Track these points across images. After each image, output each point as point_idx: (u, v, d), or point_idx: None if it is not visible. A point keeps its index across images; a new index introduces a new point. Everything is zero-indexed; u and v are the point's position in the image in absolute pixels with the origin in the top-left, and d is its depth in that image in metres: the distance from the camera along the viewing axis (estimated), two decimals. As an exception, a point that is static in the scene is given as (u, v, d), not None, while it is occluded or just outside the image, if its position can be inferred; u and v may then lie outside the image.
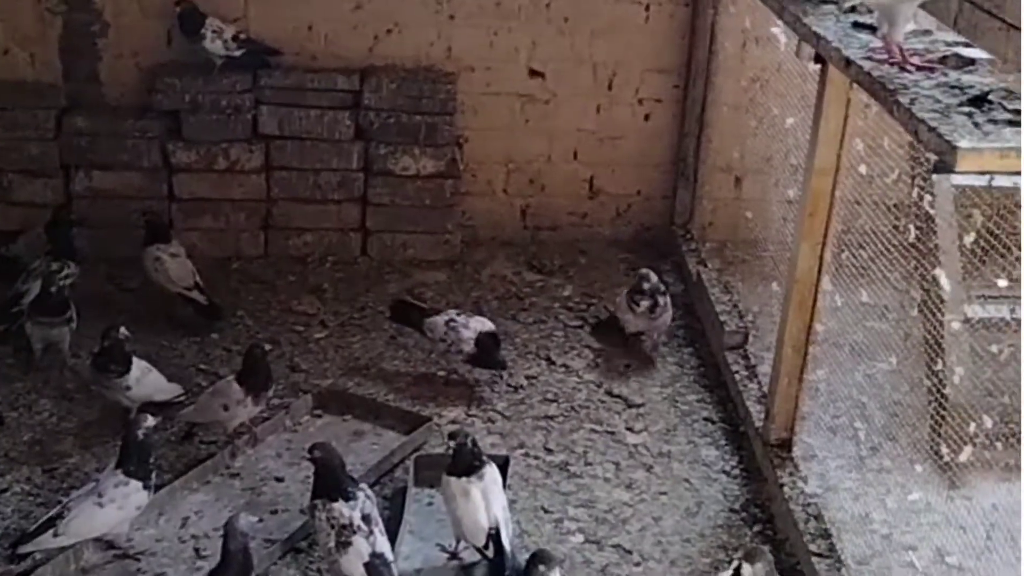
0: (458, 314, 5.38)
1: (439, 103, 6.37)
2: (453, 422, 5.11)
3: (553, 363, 5.63)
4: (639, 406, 5.30)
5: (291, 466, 4.78)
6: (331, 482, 4.09)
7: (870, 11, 3.89)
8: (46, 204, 6.14)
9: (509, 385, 5.39)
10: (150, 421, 4.31)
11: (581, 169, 6.78)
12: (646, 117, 6.66)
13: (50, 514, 4.18)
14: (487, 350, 5.24)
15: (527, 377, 5.49)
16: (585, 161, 6.76)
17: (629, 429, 5.15)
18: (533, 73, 6.58)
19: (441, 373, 5.45)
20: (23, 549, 4.12)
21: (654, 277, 5.59)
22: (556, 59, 6.53)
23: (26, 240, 5.98)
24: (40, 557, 4.15)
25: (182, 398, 5.08)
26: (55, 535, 4.09)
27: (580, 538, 4.46)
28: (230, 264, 6.37)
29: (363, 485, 4.16)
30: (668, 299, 5.62)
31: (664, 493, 4.75)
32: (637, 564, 4.34)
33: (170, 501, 4.51)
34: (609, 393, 5.39)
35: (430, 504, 4.55)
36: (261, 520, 4.34)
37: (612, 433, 5.12)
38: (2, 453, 4.75)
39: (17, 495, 4.57)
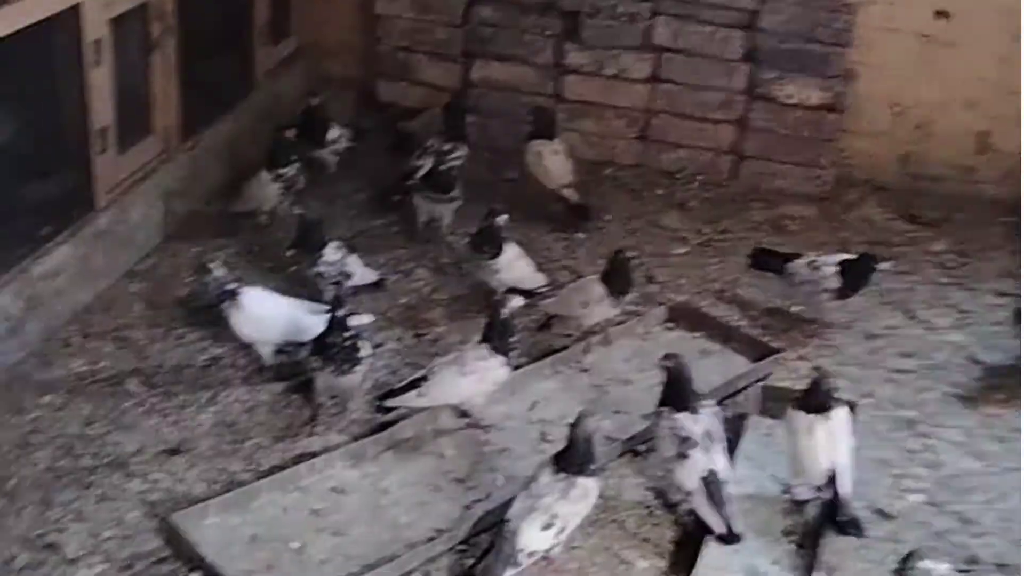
0: (818, 255, 5.30)
1: (834, 33, 6.20)
2: (801, 359, 5.08)
3: (914, 317, 5.45)
4: (1004, 375, 5.04)
5: (639, 372, 4.91)
6: (679, 393, 4.18)
7: None
8: (445, 87, 6.53)
9: (864, 334, 5.28)
10: (516, 302, 4.55)
11: (974, 121, 6.42)
12: (1057, 75, 6.21)
13: (416, 376, 4.52)
14: (856, 274, 5.12)
15: (885, 327, 5.35)
16: (981, 113, 6.39)
17: (987, 399, 4.92)
18: (939, 14, 6.26)
19: (795, 309, 5.40)
20: (389, 403, 4.48)
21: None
22: (965, 0, 6.18)
23: (423, 119, 6.40)
24: (402, 412, 4.51)
25: (544, 289, 5.33)
26: (418, 395, 4.43)
27: (920, 498, 4.35)
28: (603, 169, 6.54)
29: (711, 402, 4.23)
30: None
31: (1016, 470, 4.53)
32: (977, 536, 4.19)
33: (522, 383, 4.77)
34: (972, 359, 5.17)
35: (768, 435, 4.56)
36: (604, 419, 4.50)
37: (968, 399, 4.91)
38: (381, 312, 5.15)
39: (389, 352, 4.96)
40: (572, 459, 3.87)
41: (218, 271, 4.68)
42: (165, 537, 3.92)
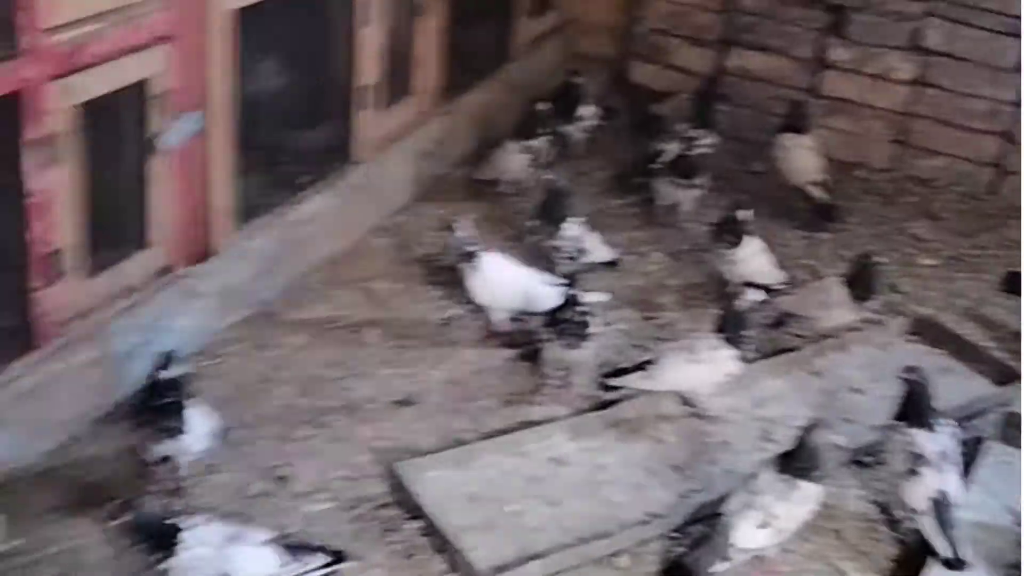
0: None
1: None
2: (1049, 389, 4.79)
3: None
4: None
5: (873, 381, 4.76)
6: (917, 408, 4.03)
7: None
8: (698, 73, 6.48)
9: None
10: (754, 295, 4.48)
11: None
12: None
13: (644, 359, 4.53)
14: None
15: None
16: None
17: None
18: None
19: (1048, 337, 5.11)
20: (614, 382, 4.50)
21: None
22: None
23: (673, 103, 6.36)
24: (626, 392, 4.51)
25: (781, 286, 5.22)
26: (645, 378, 4.43)
27: None
28: (853, 170, 6.36)
29: (951, 422, 4.06)
30: None
31: None
32: None
33: (751, 378, 4.69)
34: None
35: (1006, 463, 4.34)
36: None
37: None
38: (613, 292, 5.16)
39: (617, 332, 4.97)
40: (797, 462, 3.79)
41: (462, 232, 4.80)
42: (389, 484, 4.06)
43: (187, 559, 3.25)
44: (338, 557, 3.54)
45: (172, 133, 4.26)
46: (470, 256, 4.77)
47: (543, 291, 4.72)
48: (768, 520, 3.73)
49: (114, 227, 4.32)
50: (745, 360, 4.48)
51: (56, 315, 4.02)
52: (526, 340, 4.79)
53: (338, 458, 4.17)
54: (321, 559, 3.49)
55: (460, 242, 4.79)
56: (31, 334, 3.97)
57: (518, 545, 3.87)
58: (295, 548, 3.48)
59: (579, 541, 3.89)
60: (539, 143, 5.68)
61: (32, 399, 3.95)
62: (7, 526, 3.64)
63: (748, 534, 3.72)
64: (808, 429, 3.78)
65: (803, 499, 3.76)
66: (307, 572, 3.45)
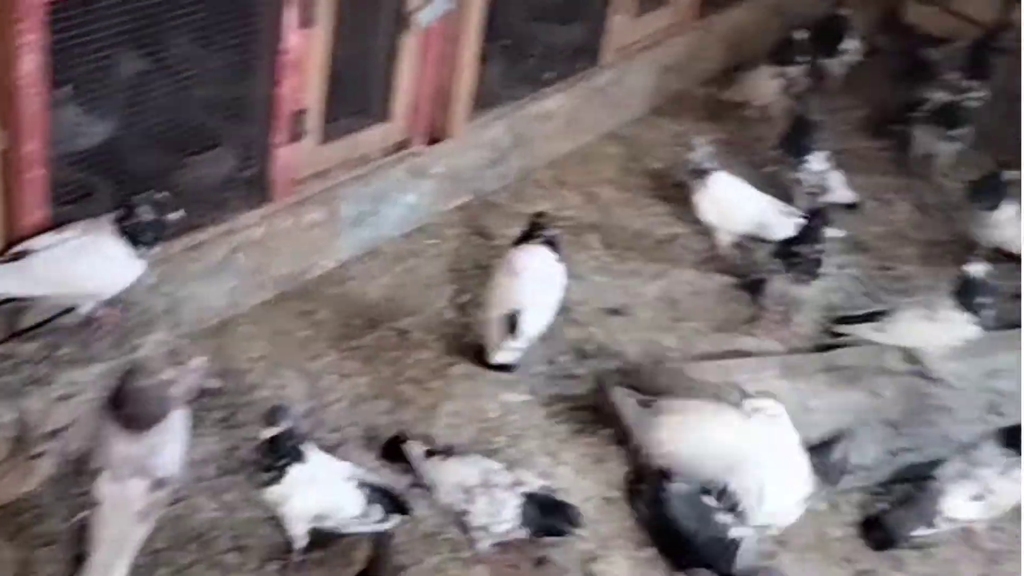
0: None
1: None
2: None
3: None
4: None
5: (1123, 372, 4.39)
6: None
7: None
8: (980, 22, 6.04)
9: None
10: (979, 267, 4.14)
11: None
12: None
13: (876, 308, 4.31)
14: None
15: None
16: None
17: None
18: None
19: None
20: (842, 328, 4.31)
21: None
22: None
23: (946, 50, 5.96)
24: (847, 340, 4.29)
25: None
26: (876, 330, 4.21)
27: None
28: None
29: None
30: None
31: None
32: None
33: (987, 348, 4.35)
34: None
35: None
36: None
37: None
38: (851, 235, 4.90)
39: (848, 277, 4.73)
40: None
41: (699, 149, 4.63)
42: (590, 388, 4.00)
43: (289, 485, 3.13)
44: (403, 509, 3.34)
45: (428, 11, 4.24)
46: (703, 173, 4.60)
47: (777, 220, 4.52)
48: (983, 493, 3.52)
49: (359, 96, 4.37)
50: (984, 327, 4.19)
51: (293, 173, 4.10)
52: (749, 269, 4.62)
53: (543, 354, 4.12)
54: (381, 512, 3.27)
55: (696, 158, 4.62)
56: (267, 188, 4.07)
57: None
58: (372, 491, 3.28)
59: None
60: (795, 71, 5.42)
61: (259, 249, 4.06)
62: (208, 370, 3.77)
63: (959, 504, 3.51)
64: None
65: (1025, 478, 3.52)
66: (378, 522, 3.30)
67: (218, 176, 3.95)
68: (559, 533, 3.31)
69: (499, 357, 3.98)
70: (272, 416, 3.11)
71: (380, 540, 3.11)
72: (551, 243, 4.07)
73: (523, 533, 3.28)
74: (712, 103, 5.71)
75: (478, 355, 4.05)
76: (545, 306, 4.02)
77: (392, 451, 3.60)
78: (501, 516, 3.24)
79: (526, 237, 4.10)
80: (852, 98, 5.92)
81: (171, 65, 3.62)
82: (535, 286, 3.99)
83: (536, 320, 3.97)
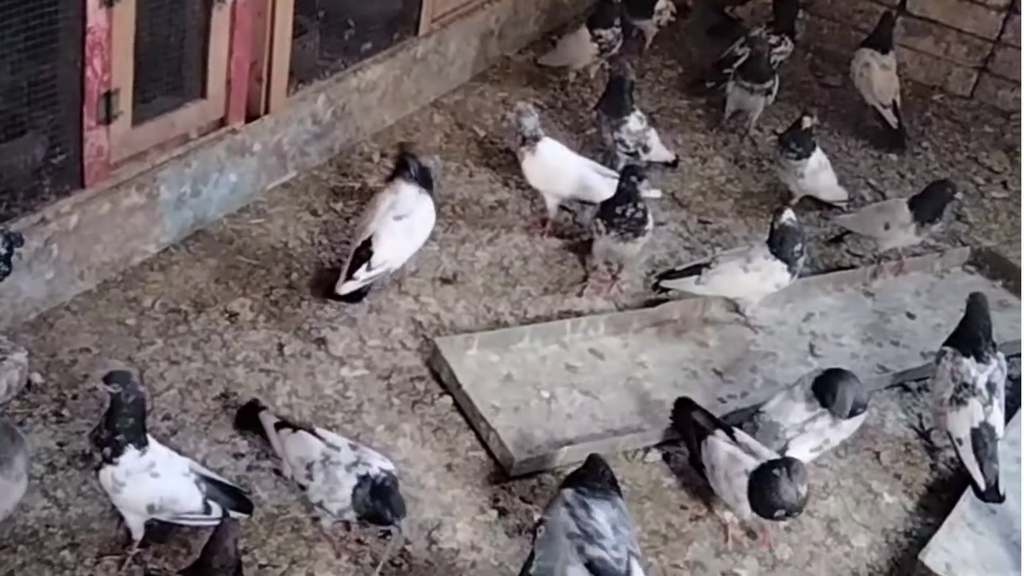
0: None
1: None
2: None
3: None
4: None
5: (927, 308, 4.66)
6: (970, 336, 3.91)
7: None
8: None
9: None
10: (789, 214, 4.31)
11: None
12: None
13: (697, 262, 4.43)
14: None
15: None
16: None
17: None
18: None
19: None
20: (666, 283, 4.41)
21: None
22: None
23: (752, 7, 6.15)
24: (674, 296, 4.42)
25: (844, 204, 5.09)
26: (696, 283, 4.33)
27: None
28: (931, 94, 6.14)
29: (999, 354, 3.94)
30: None
31: None
32: None
33: (800, 293, 4.59)
34: None
35: (1053, 404, 4.24)
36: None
37: None
38: (670, 192, 5.05)
39: (670, 233, 4.87)
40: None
41: (525, 116, 4.67)
42: (425, 358, 4.03)
43: (121, 472, 3.07)
44: (246, 507, 3.32)
45: (234, -16, 4.16)
46: (529, 140, 4.65)
47: (599, 182, 4.61)
48: (822, 444, 3.72)
49: (172, 74, 4.26)
50: (797, 274, 4.37)
51: (107, 157, 3.97)
52: (576, 231, 4.71)
53: (377, 327, 4.13)
54: (221, 510, 3.22)
55: (521, 126, 4.67)
56: (81, 173, 3.94)
57: (549, 430, 3.84)
58: (213, 488, 3.24)
59: (610, 433, 3.85)
60: (610, 33, 5.50)
61: (76, 238, 3.93)
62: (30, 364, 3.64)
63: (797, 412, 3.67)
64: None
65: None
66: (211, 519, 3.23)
67: (27, 164, 3.80)
68: (383, 522, 3.22)
69: (345, 287, 4.01)
70: (110, 377, 3.04)
71: (222, 528, 3.06)
72: (418, 177, 4.20)
73: (351, 516, 3.24)
74: (533, 68, 5.77)
75: (328, 290, 4.10)
76: (401, 235, 4.10)
77: (246, 419, 3.57)
78: (335, 495, 3.21)
79: (395, 174, 4.25)
80: (665, 58, 6.07)
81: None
82: (391, 216, 4.08)
83: (389, 249, 4.03)
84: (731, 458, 3.50)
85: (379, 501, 3.19)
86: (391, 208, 4.13)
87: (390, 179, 4.29)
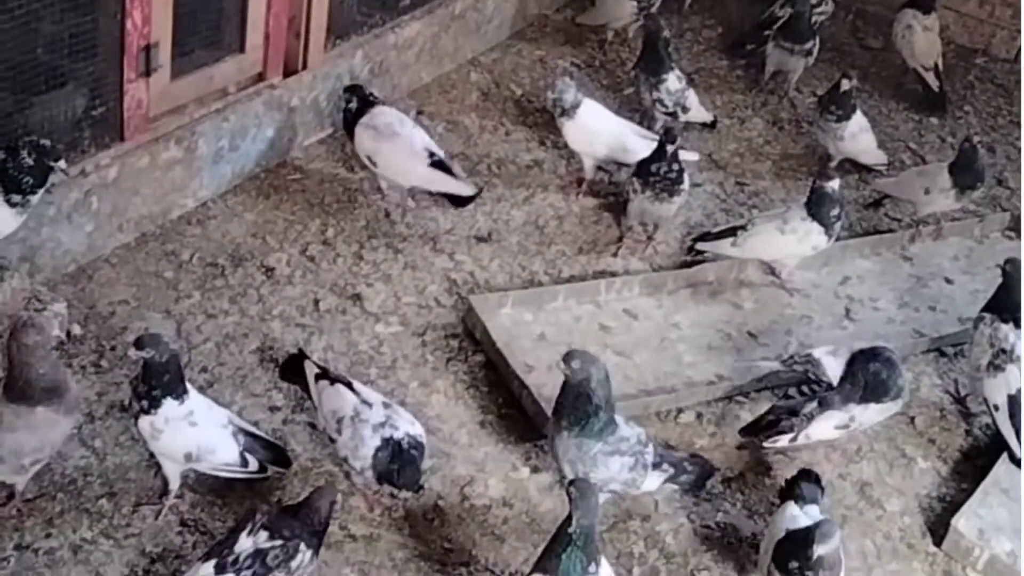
0: None
1: None
2: None
3: None
4: None
5: (965, 273, 4.62)
6: (1010, 302, 3.87)
7: None
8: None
9: None
10: (835, 182, 4.26)
11: None
12: None
13: (733, 224, 4.41)
14: None
15: None
16: None
17: None
18: None
19: None
20: (701, 245, 4.40)
21: None
22: None
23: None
24: (709, 256, 4.41)
25: (883, 168, 5.04)
26: (732, 245, 4.30)
27: None
28: (974, 57, 6.06)
29: (1040, 322, 3.91)
30: None
31: None
32: None
33: (838, 256, 4.56)
34: None
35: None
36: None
37: None
38: (707, 154, 5.01)
39: (707, 194, 4.84)
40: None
41: (563, 76, 4.65)
42: (460, 316, 4.04)
43: (160, 420, 3.11)
44: (284, 462, 3.36)
45: (277, -63, 4.15)
46: (568, 101, 4.62)
47: (637, 143, 4.58)
48: (848, 422, 3.70)
49: (210, 28, 4.26)
50: (834, 237, 4.34)
51: (146, 110, 3.99)
52: (612, 190, 4.69)
53: (411, 284, 4.14)
54: (257, 464, 3.26)
55: (560, 87, 4.64)
56: (121, 126, 3.96)
57: (582, 389, 3.84)
58: (249, 439, 3.27)
59: (643, 393, 3.85)
60: (650, -8, 5.45)
61: (115, 190, 3.96)
62: (70, 316, 3.68)
63: (824, 430, 3.65)
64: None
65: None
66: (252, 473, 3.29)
67: (68, 116, 3.82)
68: (398, 486, 3.25)
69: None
70: (140, 342, 3.06)
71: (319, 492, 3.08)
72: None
73: (370, 476, 3.25)
74: (571, 27, 5.73)
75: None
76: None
77: (291, 369, 3.56)
78: (358, 453, 3.22)
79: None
80: (705, 18, 6.01)
81: (6, 1, 3.47)
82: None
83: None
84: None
85: (395, 469, 3.21)
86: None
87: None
